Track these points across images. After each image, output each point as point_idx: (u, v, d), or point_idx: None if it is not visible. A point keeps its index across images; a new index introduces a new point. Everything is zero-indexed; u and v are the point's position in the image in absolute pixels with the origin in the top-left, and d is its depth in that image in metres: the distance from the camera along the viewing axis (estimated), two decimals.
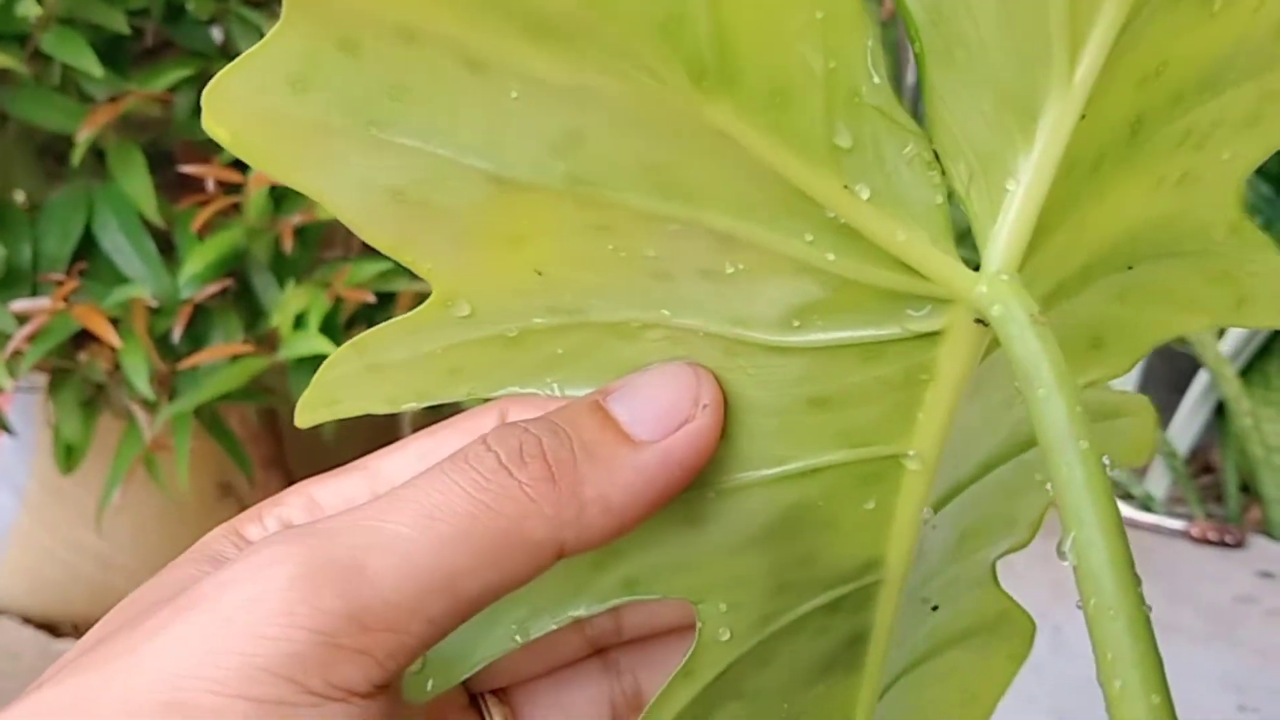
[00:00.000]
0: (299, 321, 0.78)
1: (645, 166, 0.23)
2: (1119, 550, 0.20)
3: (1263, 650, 0.86)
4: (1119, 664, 0.20)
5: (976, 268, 0.23)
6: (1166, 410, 1.10)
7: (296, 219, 0.80)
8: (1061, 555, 0.21)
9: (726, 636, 0.28)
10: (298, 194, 0.85)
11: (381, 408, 0.27)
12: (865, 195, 0.23)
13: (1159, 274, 0.27)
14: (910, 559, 0.28)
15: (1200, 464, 1.22)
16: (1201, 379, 1.07)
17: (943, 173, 0.23)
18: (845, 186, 0.22)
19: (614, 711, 0.32)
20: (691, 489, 0.26)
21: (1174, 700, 0.20)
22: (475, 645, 0.29)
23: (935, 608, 0.32)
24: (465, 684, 0.31)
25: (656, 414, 0.25)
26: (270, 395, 0.87)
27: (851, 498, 0.27)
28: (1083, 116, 0.22)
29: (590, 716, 0.32)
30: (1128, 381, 1.12)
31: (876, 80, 0.22)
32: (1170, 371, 1.14)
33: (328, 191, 0.24)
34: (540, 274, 0.25)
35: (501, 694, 0.32)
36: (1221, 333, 1.06)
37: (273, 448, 1.01)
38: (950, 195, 0.23)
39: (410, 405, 0.27)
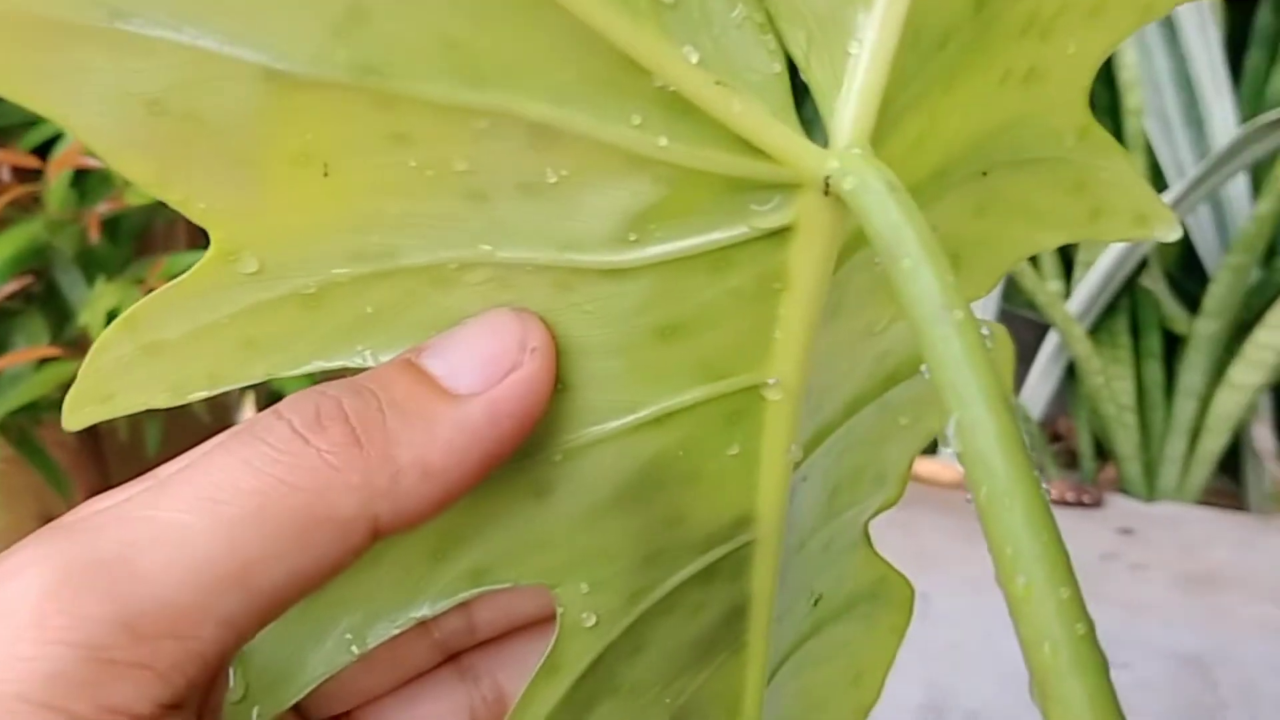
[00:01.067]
0: (111, 321, 0.72)
1: (444, 45, 0.20)
2: (1009, 429, 0.18)
3: (1129, 605, 0.86)
4: (1020, 559, 0.18)
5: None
6: (1016, 380, 1.10)
7: (103, 208, 0.74)
8: (944, 441, 0.19)
9: (592, 622, 0.25)
10: (104, 181, 0.80)
11: (165, 399, 0.23)
12: (694, 59, 0.20)
13: (1014, 184, 0.26)
14: (783, 512, 0.26)
15: (1052, 431, 1.23)
16: (1051, 341, 1.07)
17: (779, 38, 0.21)
18: (673, 49, 0.20)
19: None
20: (534, 453, 0.23)
21: None
22: (304, 661, 0.25)
23: (817, 600, 0.30)
24: (301, 712, 0.28)
25: (477, 364, 0.21)
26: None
27: (713, 443, 0.24)
28: None
29: None
30: None
31: None
32: (1017, 343, 1.14)
33: (72, 110, 0.20)
34: (336, 206, 0.21)
35: (345, 719, 0.28)
36: (1069, 293, 1.06)
37: (96, 470, 0.94)
38: (790, 66, 0.21)
39: (200, 393, 0.22)
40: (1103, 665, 0.17)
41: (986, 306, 1.12)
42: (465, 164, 0.21)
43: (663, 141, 0.21)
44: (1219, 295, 0.97)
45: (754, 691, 0.29)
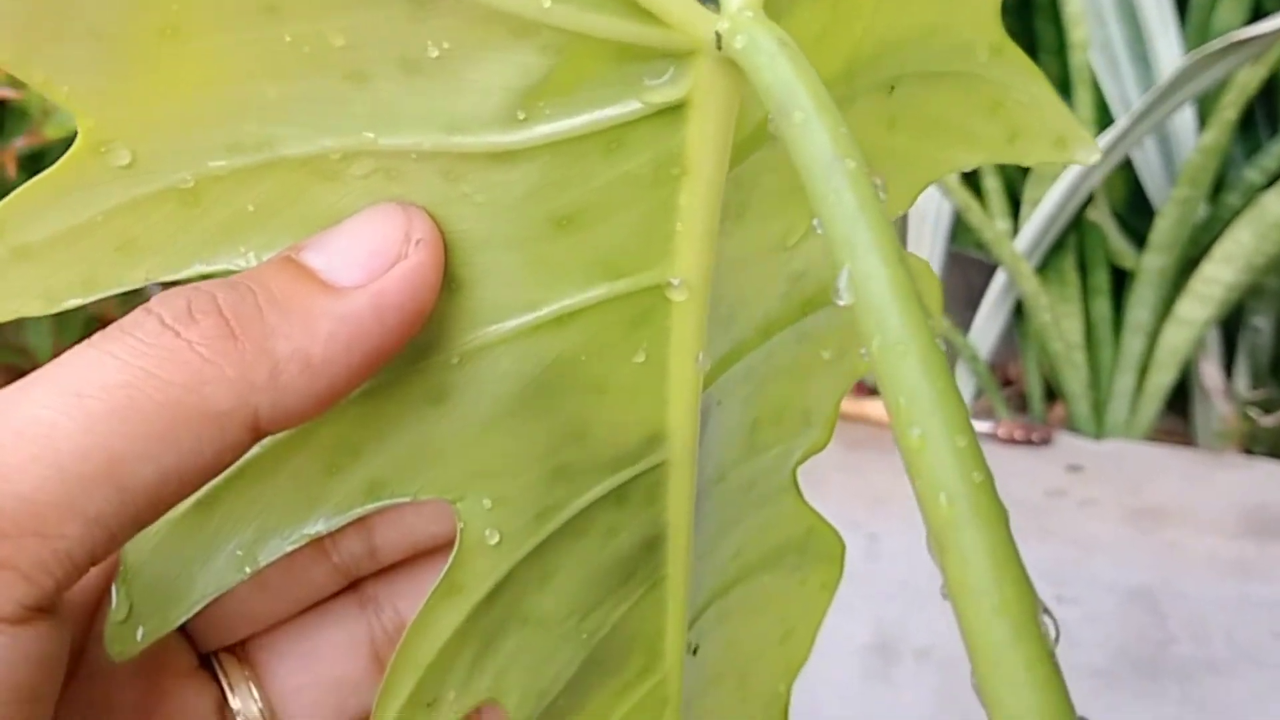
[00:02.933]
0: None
1: None
2: (900, 278, 0.18)
3: (1077, 540, 0.85)
4: (914, 408, 0.17)
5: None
6: (964, 321, 1.10)
7: (21, 143, 0.72)
8: (837, 296, 0.18)
9: (495, 540, 0.24)
10: (21, 115, 0.78)
11: (38, 307, 0.22)
12: None
13: (927, 99, 0.25)
14: (694, 432, 0.25)
15: (1003, 377, 1.23)
16: (999, 280, 1.07)
17: None
18: None
19: (375, 653, 0.28)
20: (429, 356, 0.22)
21: None
22: (193, 579, 0.24)
23: (741, 548, 0.29)
24: (192, 642, 0.27)
25: (359, 257, 0.21)
26: (14, 353, 0.79)
27: (618, 349, 0.24)
28: None
29: (346, 662, 0.28)
30: None
31: None
32: (965, 284, 1.14)
33: None
34: (210, 91, 0.20)
35: (239, 650, 0.27)
36: (1016, 230, 1.05)
37: None
38: None
39: (75, 300, 0.21)
40: (1003, 516, 0.16)
41: (934, 246, 1.11)
42: (343, 39, 0.20)
43: (546, 3, 0.20)
44: (1165, 229, 0.97)
45: (675, 631, 0.28)
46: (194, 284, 0.20)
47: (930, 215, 1.11)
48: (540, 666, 0.26)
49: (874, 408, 1.05)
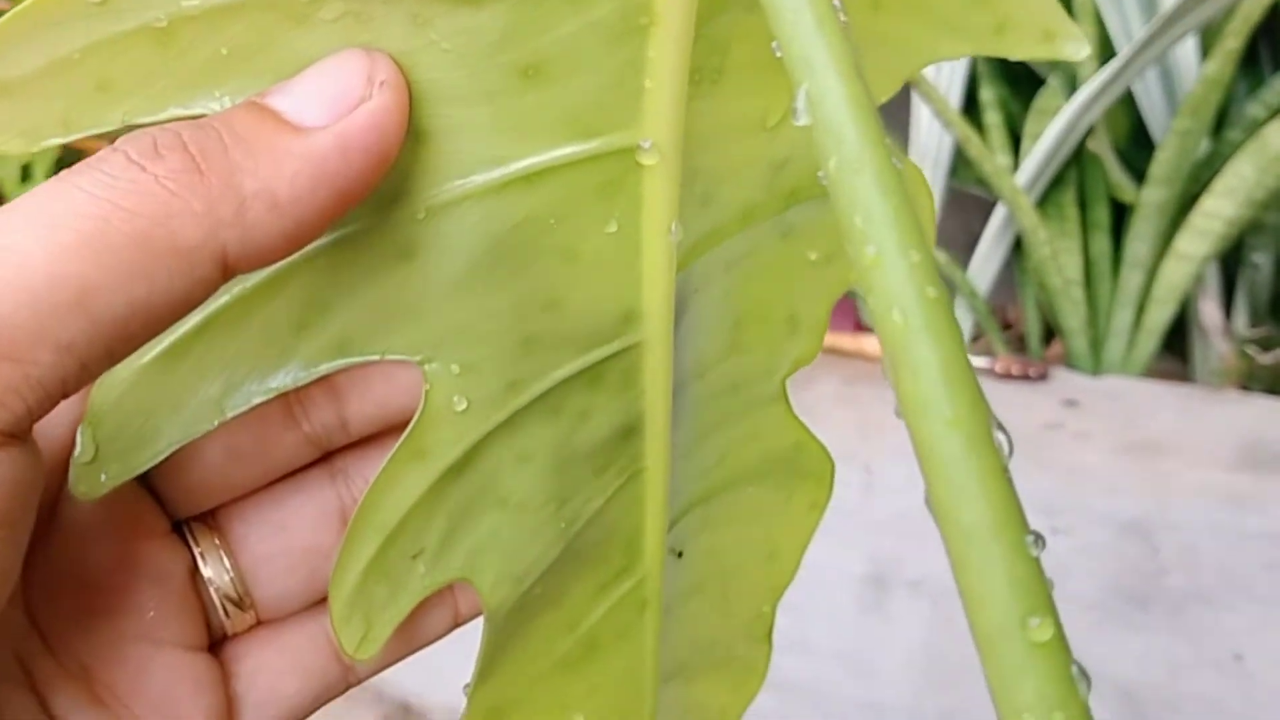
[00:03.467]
0: (25, 174, 0.69)
1: None
2: (858, 94, 0.17)
3: (1071, 470, 0.85)
4: (870, 226, 0.17)
5: None
6: (963, 256, 1.09)
7: None
8: (795, 117, 0.18)
9: (463, 406, 0.24)
10: None
11: (19, 144, 0.22)
12: None
13: None
14: (670, 311, 0.25)
15: (1002, 319, 1.22)
16: (998, 216, 1.06)
17: None
18: None
19: (345, 524, 0.28)
20: (397, 209, 0.23)
21: None
22: (160, 427, 0.24)
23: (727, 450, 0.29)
24: (164, 507, 0.27)
25: (324, 99, 0.21)
26: None
27: (589, 215, 0.24)
28: None
29: (316, 533, 0.28)
30: None
31: None
32: (964, 221, 1.13)
33: None
34: None
35: (210, 519, 0.28)
36: (1016, 166, 1.04)
37: None
38: None
39: (54, 138, 0.21)
40: (957, 332, 0.16)
41: (934, 180, 1.10)
42: None
43: None
44: (1165, 162, 0.96)
45: (654, 531, 0.28)
46: (160, 125, 0.21)
47: (931, 150, 1.10)
48: (517, 550, 0.26)
49: (872, 343, 1.05)
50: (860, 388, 0.98)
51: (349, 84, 0.21)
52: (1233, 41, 0.89)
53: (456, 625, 0.29)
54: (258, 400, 0.24)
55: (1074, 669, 0.15)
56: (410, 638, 0.28)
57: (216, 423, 0.24)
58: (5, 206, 0.19)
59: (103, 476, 0.24)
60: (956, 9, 0.26)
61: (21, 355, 0.18)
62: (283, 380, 0.24)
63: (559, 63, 0.22)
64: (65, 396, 0.20)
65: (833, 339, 1.06)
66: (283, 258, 0.21)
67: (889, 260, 0.17)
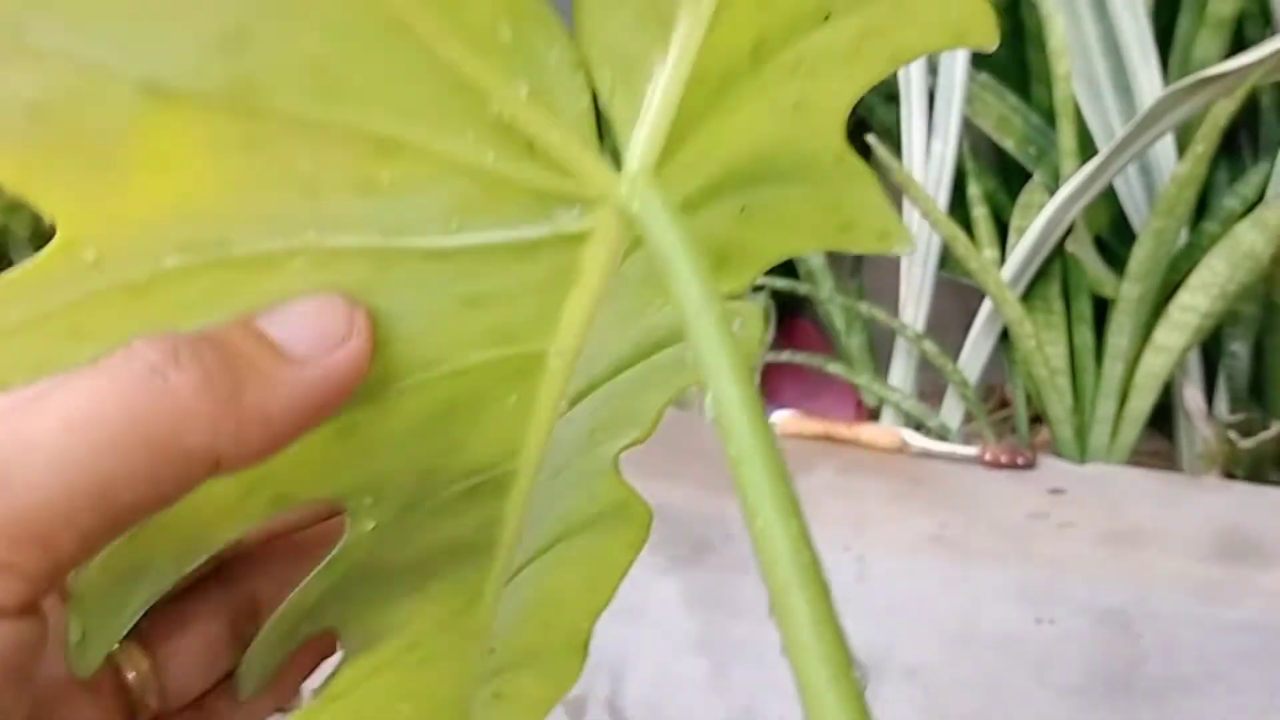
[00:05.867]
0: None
1: (313, 67, 0.22)
2: (749, 399, 0.23)
3: (1055, 561, 0.88)
4: (758, 504, 0.22)
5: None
6: (953, 346, 1.12)
7: None
8: (705, 412, 0.24)
9: (371, 526, 0.29)
10: None
11: None
12: (524, 92, 0.24)
13: (778, 198, 0.30)
14: (544, 450, 0.30)
15: (999, 399, 1.25)
16: (986, 308, 1.10)
17: (589, 77, 0.25)
18: (508, 81, 0.24)
19: (232, 621, 0.32)
20: (345, 404, 0.26)
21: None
22: (129, 595, 0.27)
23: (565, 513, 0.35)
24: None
25: (313, 335, 0.25)
26: None
27: (497, 392, 0.29)
28: (711, 30, 0.25)
29: (213, 627, 0.32)
30: (918, 322, 1.14)
31: None
32: (955, 310, 1.17)
33: None
34: (177, 201, 0.23)
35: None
36: (1003, 260, 1.08)
37: None
38: (596, 101, 0.25)
39: (24, 379, 0.23)
40: (824, 588, 0.22)
41: (925, 275, 1.14)
42: (309, 166, 0.23)
43: (490, 157, 0.24)
44: (1143, 259, 1.00)
45: (495, 582, 0.33)
46: (173, 335, 0.23)
47: (922, 243, 1.14)
48: (378, 605, 0.32)
49: (867, 432, 1.08)
50: (854, 477, 1.02)
51: (334, 327, 0.25)
52: (1202, 146, 0.93)
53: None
54: (207, 555, 0.27)
55: None
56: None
57: (176, 578, 0.27)
58: (36, 399, 0.22)
59: (92, 651, 0.27)
60: (811, 216, 0.31)
61: (51, 542, 0.22)
62: (229, 535, 0.27)
63: (498, 298, 0.27)
64: (69, 572, 0.23)
65: (829, 427, 1.09)
66: (260, 463, 0.25)
67: (773, 530, 0.22)
